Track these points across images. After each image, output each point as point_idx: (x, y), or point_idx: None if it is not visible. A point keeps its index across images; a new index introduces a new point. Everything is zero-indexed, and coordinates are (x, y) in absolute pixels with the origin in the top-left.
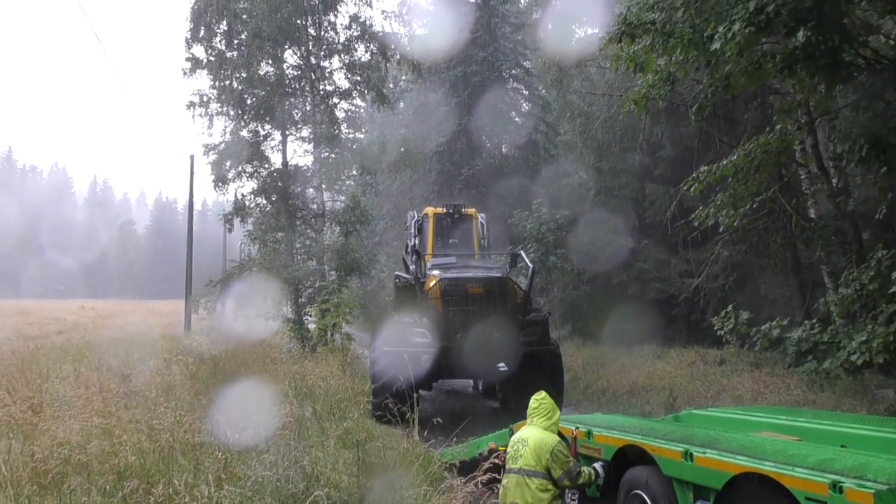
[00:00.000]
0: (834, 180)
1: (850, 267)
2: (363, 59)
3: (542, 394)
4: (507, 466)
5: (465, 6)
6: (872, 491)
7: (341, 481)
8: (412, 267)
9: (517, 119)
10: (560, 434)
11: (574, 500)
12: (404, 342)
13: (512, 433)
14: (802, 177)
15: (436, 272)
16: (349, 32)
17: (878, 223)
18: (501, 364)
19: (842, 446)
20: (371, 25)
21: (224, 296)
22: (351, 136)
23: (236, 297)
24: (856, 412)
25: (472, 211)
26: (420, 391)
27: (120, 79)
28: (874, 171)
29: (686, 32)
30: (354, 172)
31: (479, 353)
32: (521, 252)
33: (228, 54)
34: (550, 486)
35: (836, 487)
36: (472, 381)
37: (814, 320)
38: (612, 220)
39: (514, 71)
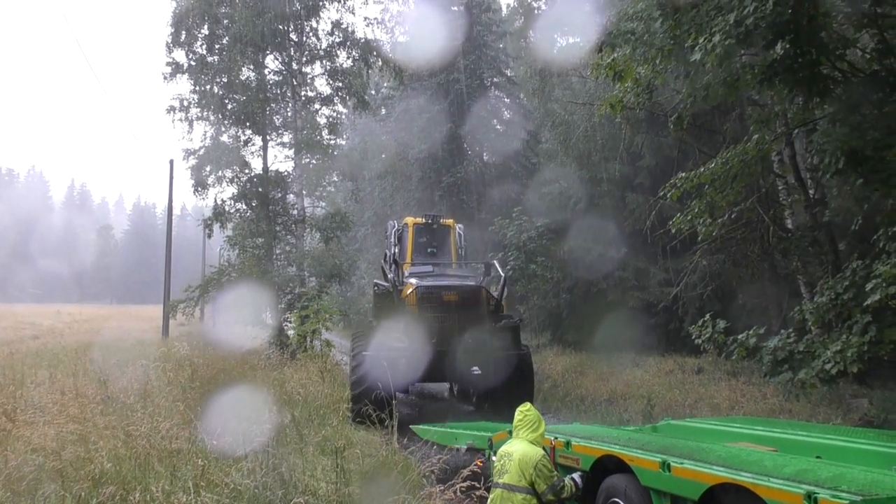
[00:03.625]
0: (811, 191)
1: (825, 277)
2: (345, 66)
3: (527, 405)
4: (494, 480)
5: (447, 14)
6: (847, 502)
7: (319, 488)
8: (390, 275)
9: (499, 127)
10: None
11: None
12: (382, 347)
13: (491, 444)
14: (780, 188)
15: (413, 280)
16: (331, 38)
17: (853, 234)
18: (475, 368)
19: (817, 457)
20: (353, 32)
21: (203, 301)
22: (332, 142)
23: (215, 303)
24: (831, 421)
25: (450, 221)
26: (397, 394)
27: (99, 82)
28: (850, 183)
29: (666, 43)
30: (335, 179)
31: (453, 358)
32: (495, 262)
33: (209, 59)
34: (534, 501)
35: (811, 498)
36: (447, 385)
37: (790, 329)
38: (592, 229)
39: (496, 79)
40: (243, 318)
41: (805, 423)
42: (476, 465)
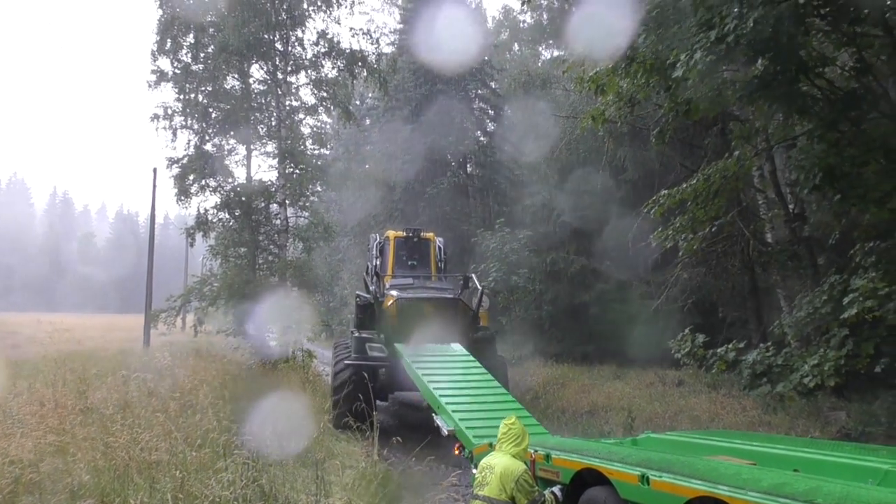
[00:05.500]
0: (790, 206)
1: (804, 291)
2: (330, 76)
3: (512, 419)
4: (474, 492)
5: (432, 26)
6: None
7: (299, 500)
8: (372, 287)
9: (482, 139)
10: None
11: None
12: (364, 357)
13: (471, 456)
14: (760, 202)
15: (394, 292)
16: (316, 49)
17: (831, 248)
18: None
19: (794, 470)
20: (338, 42)
21: (185, 311)
22: (316, 152)
23: (197, 313)
24: (809, 433)
25: (430, 235)
26: (377, 401)
27: (82, 89)
28: (828, 198)
29: (648, 58)
30: (319, 189)
31: None
32: (473, 275)
33: (194, 67)
34: None
35: None
36: None
37: (769, 343)
38: (574, 241)
39: (480, 91)
40: (225, 328)
41: (783, 436)
42: (454, 452)
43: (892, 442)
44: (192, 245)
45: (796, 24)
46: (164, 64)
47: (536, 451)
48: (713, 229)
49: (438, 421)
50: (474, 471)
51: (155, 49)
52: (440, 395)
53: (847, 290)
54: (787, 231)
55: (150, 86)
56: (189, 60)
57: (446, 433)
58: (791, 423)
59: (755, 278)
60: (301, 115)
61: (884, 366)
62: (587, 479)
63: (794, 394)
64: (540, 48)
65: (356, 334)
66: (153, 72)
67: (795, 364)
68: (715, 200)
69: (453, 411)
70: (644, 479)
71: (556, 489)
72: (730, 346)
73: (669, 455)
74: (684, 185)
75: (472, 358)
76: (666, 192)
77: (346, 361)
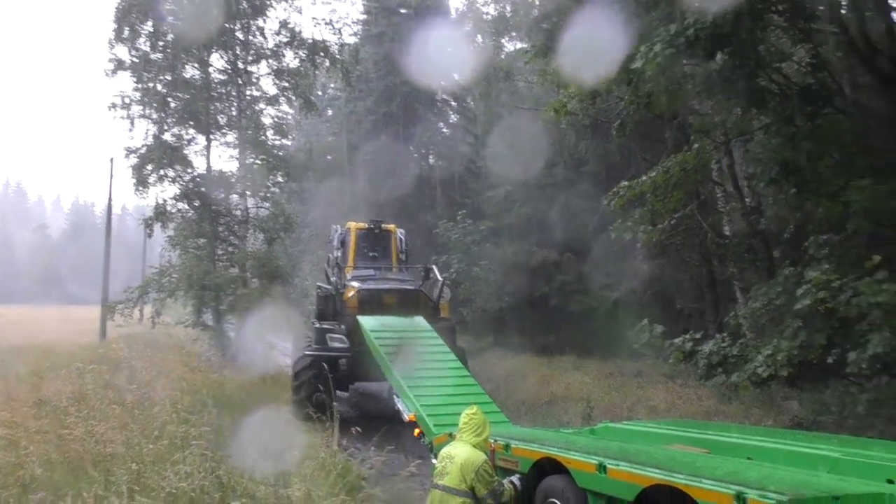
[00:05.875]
0: (747, 199)
1: (760, 283)
2: (292, 66)
3: (474, 409)
4: (434, 481)
5: (395, 16)
6: (773, 502)
7: (258, 491)
8: (333, 278)
9: (445, 130)
10: None
11: None
12: (324, 348)
13: (432, 447)
14: (718, 195)
15: (355, 283)
16: (278, 38)
17: (786, 241)
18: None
19: (748, 458)
20: (300, 32)
21: (142, 303)
22: (277, 142)
23: (156, 305)
24: (763, 423)
25: (391, 227)
26: (338, 392)
27: (35, 77)
28: (784, 192)
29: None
30: (280, 179)
31: None
32: (434, 267)
33: (153, 56)
34: None
35: (740, 498)
36: (387, 385)
37: (724, 334)
38: (535, 233)
39: (443, 82)
40: (184, 320)
41: (738, 425)
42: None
43: (843, 431)
44: (150, 236)
45: (755, 19)
46: (122, 52)
47: (496, 440)
48: (672, 222)
49: (399, 405)
50: (434, 460)
51: (112, 37)
52: (403, 378)
53: (801, 282)
54: (744, 224)
55: (107, 74)
56: (147, 49)
57: (406, 419)
58: (745, 412)
59: (713, 270)
60: (262, 105)
61: (835, 356)
62: (546, 468)
63: (748, 383)
64: (503, 40)
65: (317, 325)
66: (110, 60)
67: (750, 354)
68: (674, 193)
69: (416, 395)
70: (601, 467)
71: (514, 478)
72: (687, 336)
73: (626, 444)
74: (644, 178)
75: (436, 336)
76: (626, 184)
77: (307, 352)
